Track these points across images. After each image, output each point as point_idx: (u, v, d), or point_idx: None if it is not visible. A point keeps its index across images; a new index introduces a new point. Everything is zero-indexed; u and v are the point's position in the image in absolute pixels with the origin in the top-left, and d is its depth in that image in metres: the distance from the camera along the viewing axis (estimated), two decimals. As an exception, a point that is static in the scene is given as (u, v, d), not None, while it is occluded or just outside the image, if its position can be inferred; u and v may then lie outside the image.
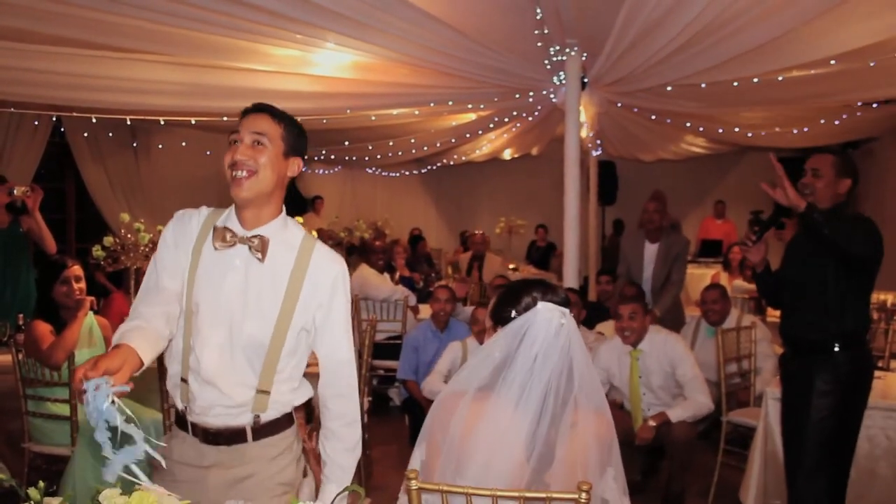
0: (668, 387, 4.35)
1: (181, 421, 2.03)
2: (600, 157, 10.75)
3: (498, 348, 1.89)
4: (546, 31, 5.06)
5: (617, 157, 11.63)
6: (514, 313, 1.93)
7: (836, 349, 3.12)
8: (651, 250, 5.88)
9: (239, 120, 1.99)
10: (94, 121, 7.21)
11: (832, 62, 5.05)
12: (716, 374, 4.55)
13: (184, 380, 1.98)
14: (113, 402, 1.46)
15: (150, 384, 3.60)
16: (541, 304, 1.92)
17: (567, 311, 1.94)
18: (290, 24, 4.52)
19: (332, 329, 2.03)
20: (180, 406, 2.00)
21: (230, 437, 1.98)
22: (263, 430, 2.00)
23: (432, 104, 6.97)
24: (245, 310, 1.93)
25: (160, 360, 2.03)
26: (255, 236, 1.93)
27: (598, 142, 9.93)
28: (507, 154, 12.15)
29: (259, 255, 1.93)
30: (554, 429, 1.83)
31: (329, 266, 2.01)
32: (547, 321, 1.88)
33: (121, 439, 1.43)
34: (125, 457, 1.41)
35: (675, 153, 11.36)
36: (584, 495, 1.67)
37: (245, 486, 1.97)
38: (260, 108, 1.99)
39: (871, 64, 5.10)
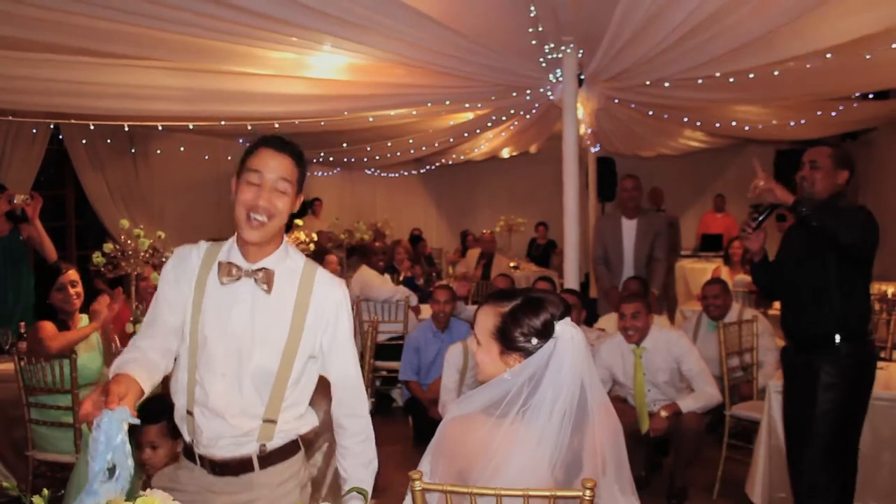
0: (673, 381, 4.35)
1: (189, 452, 2.06)
2: (599, 153, 10.74)
3: (517, 382, 1.83)
4: (541, 29, 5.06)
5: (616, 153, 11.61)
6: (533, 340, 1.87)
7: (838, 341, 3.12)
8: (629, 226, 5.92)
9: (255, 149, 1.95)
10: (92, 128, 7.20)
11: (828, 55, 5.06)
12: (718, 369, 4.55)
13: (189, 412, 1.99)
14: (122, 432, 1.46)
15: (154, 391, 3.60)
16: (559, 328, 1.86)
17: (569, 318, 1.90)
18: (285, 27, 4.51)
19: (339, 351, 2.08)
20: (187, 439, 2.03)
21: (237, 467, 2.00)
22: (269, 458, 2.02)
23: (430, 104, 6.96)
24: (253, 340, 1.96)
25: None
26: (259, 269, 1.96)
27: (596, 138, 9.92)
28: (506, 152, 12.15)
29: (265, 288, 1.95)
30: (578, 436, 1.81)
31: (332, 291, 2.05)
32: (570, 340, 1.84)
33: (113, 473, 1.44)
34: (111, 489, 1.42)
35: (674, 148, 11.35)
36: (588, 493, 1.66)
37: None
38: (283, 148, 1.95)
39: (867, 57, 5.10)
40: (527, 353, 1.86)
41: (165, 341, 1.94)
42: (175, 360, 2.02)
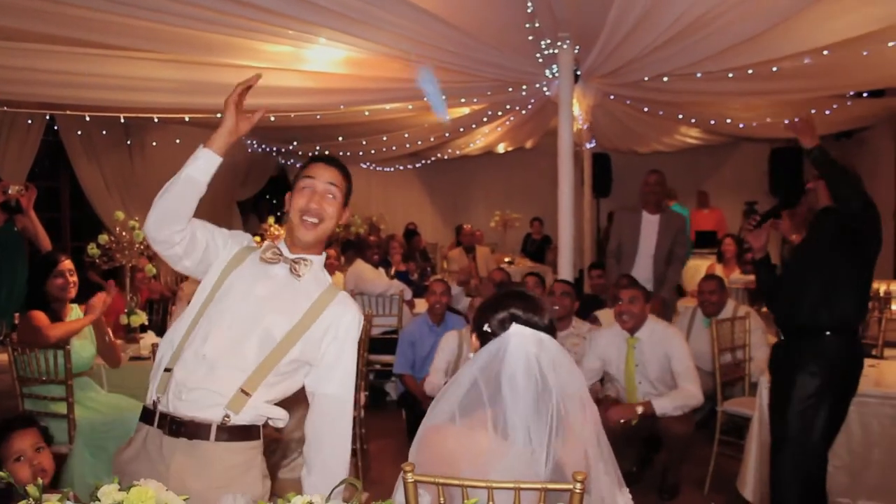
0: (665, 379, 4.34)
1: (147, 414, 2.06)
2: (594, 149, 10.75)
3: (473, 372, 1.83)
4: (537, 25, 5.06)
5: (611, 149, 11.63)
6: (487, 327, 1.93)
7: (827, 334, 3.16)
8: (651, 221, 5.83)
9: (307, 164, 2.20)
10: (87, 119, 7.19)
11: (825, 52, 5.07)
12: (710, 364, 4.57)
13: (168, 370, 2.03)
14: None
15: (146, 380, 3.61)
16: (514, 328, 1.86)
17: (547, 337, 1.87)
18: (282, 20, 4.52)
19: (342, 368, 2.15)
20: (153, 397, 2.05)
21: (194, 430, 1.98)
22: (228, 432, 2.01)
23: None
24: (269, 307, 2.07)
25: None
26: (299, 257, 2.13)
27: (592, 134, 9.94)
28: (502, 148, 12.14)
29: (298, 274, 2.11)
30: (560, 440, 1.79)
31: (349, 309, 2.17)
32: (518, 346, 1.82)
33: None
34: None
35: (670, 145, 11.37)
36: (578, 486, 1.67)
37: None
38: (332, 162, 2.20)
39: (864, 53, 5.11)
40: (485, 340, 1.92)
41: (195, 227, 2.17)
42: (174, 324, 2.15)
